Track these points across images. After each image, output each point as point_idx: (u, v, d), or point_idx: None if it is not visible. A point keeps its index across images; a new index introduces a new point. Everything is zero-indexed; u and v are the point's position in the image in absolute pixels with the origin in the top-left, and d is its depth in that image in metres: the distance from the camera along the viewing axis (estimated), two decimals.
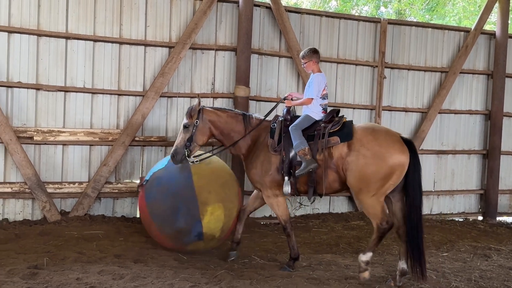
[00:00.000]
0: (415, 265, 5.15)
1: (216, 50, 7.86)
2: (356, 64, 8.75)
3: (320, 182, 5.45)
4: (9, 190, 6.93)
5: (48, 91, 7.09)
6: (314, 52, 5.83)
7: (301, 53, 5.93)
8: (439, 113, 9.12)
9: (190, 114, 5.77)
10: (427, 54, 9.19)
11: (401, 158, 5.17)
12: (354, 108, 8.74)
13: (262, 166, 5.65)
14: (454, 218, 9.23)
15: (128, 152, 7.49)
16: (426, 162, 9.03)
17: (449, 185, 9.40)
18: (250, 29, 7.70)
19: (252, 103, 8.01)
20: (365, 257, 5.28)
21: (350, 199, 8.72)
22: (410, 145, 5.31)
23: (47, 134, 7.05)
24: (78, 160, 7.30)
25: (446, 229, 8.28)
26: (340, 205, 8.78)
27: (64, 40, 7.14)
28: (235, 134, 5.84)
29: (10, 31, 6.88)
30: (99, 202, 7.42)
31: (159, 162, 6.42)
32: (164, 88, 7.53)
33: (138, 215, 7.63)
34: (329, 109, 5.81)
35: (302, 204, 6.97)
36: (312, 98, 5.68)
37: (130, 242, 6.39)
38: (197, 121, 5.72)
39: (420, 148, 8.88)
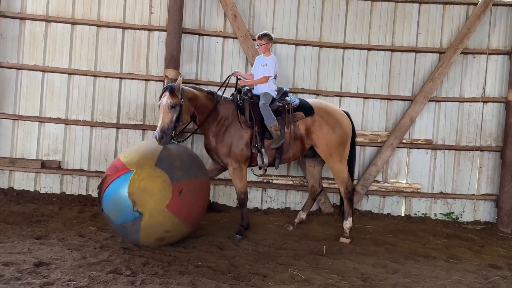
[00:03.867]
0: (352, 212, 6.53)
1: (489, 54, 7.75)
2: None
3: (286, 152, 6.20)
4: (290, 182, 7.89)
5: (326, 96, 7.88)
6: (271, 37, 6.31)
7: (259, 35, 6.29)
8: None
9: (174, 93, 5.57)
10: None
11: (349, 126, 6.45)
12: None
13: (234, 140, 6.00)
14: None
15: (395, 153, 7.89)
16: None
17: None
18: None
19: None
20: (348, 223, 6.39)
21: None
22: (349, 116, 6.58)
23: None
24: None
25: None
26: None
27: (341, 50, 7.87)
28: (207, 111, 5.97)
29: (297, 43, 7.85)
30: (367, 199, 7.95)
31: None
32: (433, 93, 7.74)
33: (403, 214, 7.98)
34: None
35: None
36: (269, 77, 6.16)
37: (399, 239, 6.64)
38: (182, 100, 5.63)
39: None
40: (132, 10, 7.66)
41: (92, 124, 7.64)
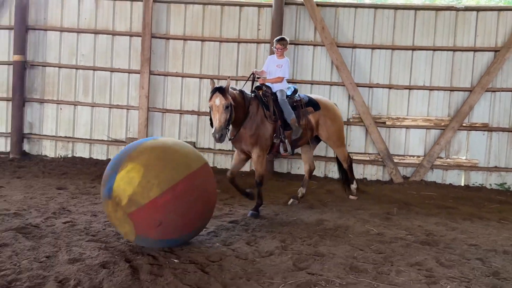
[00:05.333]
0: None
1: None
2: None
3: (300, 140, 7.00)
4: (367, 158, 9.87)
5: (397, 89, 9.71)
6: (287, 41, 6.99)
7: (278, 38, 7.00)
8: None
9: (226, 94, 5.92)
10: None
11: (341, 117, 7.64)
12: None
13: (261, 132, 6.51)
14: None
15: (456, 135, 9.56)
16: None
17: None
18: None
19: None
20: (354, 185, 7.82)
21: None
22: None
23: (395, 120, 9.73)
24: (416, 139, 9.75)
25: None
26: None
27: (410, 51, 9.63)
28: (242, 109, 6.36)
29: (373, 47, 9.72)
30: (432, 172, 9.70)
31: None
32: (489, 85, 9.27)
33: (462, 184, 9.59)
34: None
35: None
36: (284, 78, 6.89)
37: (458, 204, 7.73)
38: (232, 101, 6.03)
39: None
40: (244, 28, 10.04)
41: None
